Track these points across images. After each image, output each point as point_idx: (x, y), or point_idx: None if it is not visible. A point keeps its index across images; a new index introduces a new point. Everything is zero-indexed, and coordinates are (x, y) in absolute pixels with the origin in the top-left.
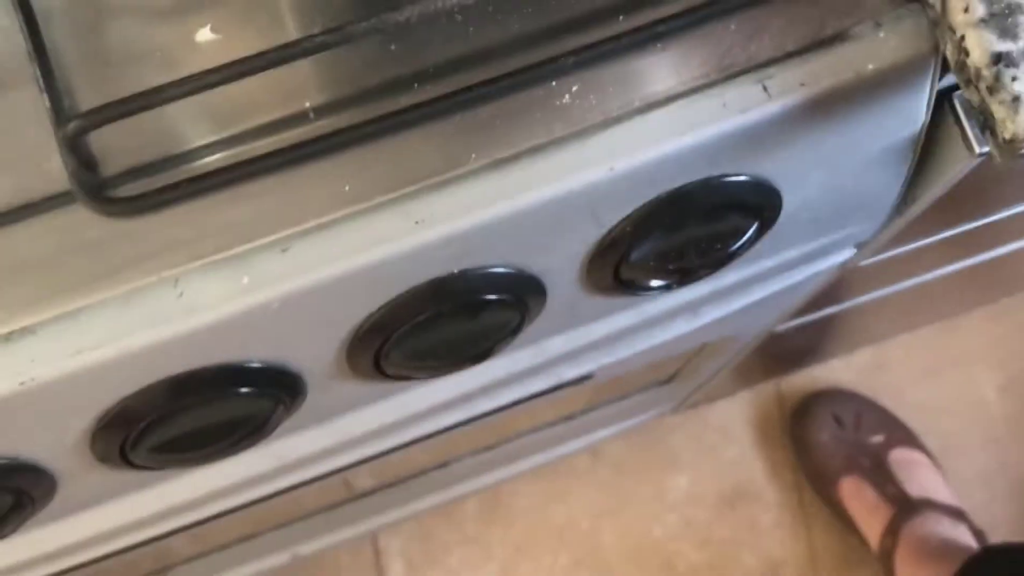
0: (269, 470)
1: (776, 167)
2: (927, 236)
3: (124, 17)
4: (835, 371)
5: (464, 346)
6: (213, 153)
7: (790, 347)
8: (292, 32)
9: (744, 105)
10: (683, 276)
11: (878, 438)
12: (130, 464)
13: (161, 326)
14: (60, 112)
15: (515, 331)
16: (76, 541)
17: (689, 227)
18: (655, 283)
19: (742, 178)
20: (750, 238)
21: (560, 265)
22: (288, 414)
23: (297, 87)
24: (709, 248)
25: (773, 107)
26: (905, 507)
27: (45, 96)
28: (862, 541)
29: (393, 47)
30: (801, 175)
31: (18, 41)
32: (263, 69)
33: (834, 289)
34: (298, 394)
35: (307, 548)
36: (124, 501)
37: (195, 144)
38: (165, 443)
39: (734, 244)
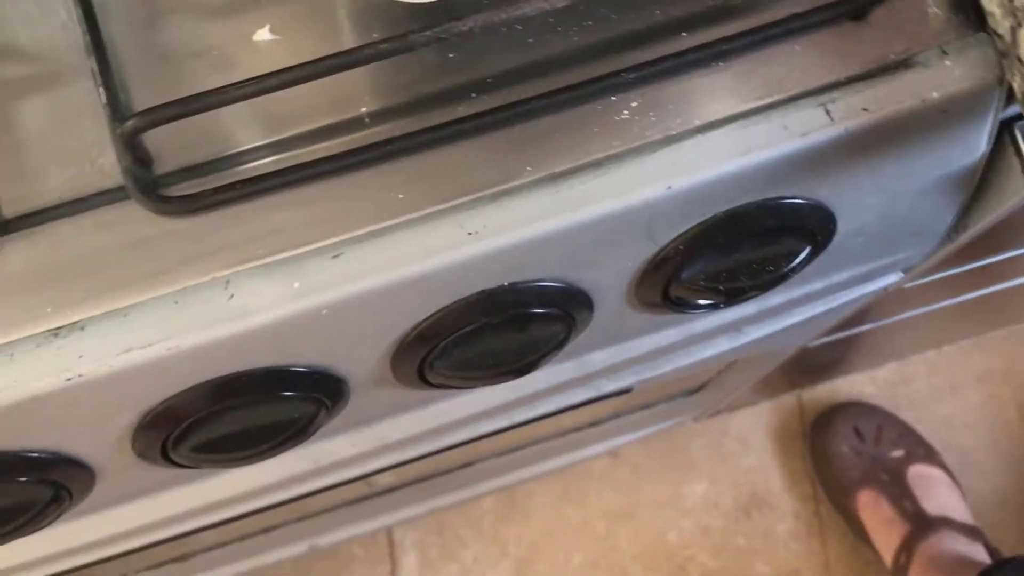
0: (304, 472)
1: (833, 191)
2: (972, 262)
3: (182, 13)
4: (858, 384)
5: (509, 358)
6: (267, 156)
7: (816, 360)
8: (350, 37)
9: (805, 128)
10: (732, 296)
11: (898, 453)
12: (170, 462)
13: (211, 328)
14: (116, 109)
15: (561, 345)
16: (108, 535)
17: (742, 248)
18: (704, 302)
19: (798, 201)
20: (802, 261)
21: (610, 280)
22: (330, 418)
23: (353, 92)
24: (761, 269)
25: (835, 131)
26: (921, 524)
27: (102, 91)
28: (877, 555)
29: (452, 55)
30: (857, 200)
31: (76, 34)
32: (323, 75)
33: (871, 308)
34: (341, 398)
35: (325, 540)
36: (159, 497)
37: (249, 145)
38: (207, 443)
39: (786, 267)
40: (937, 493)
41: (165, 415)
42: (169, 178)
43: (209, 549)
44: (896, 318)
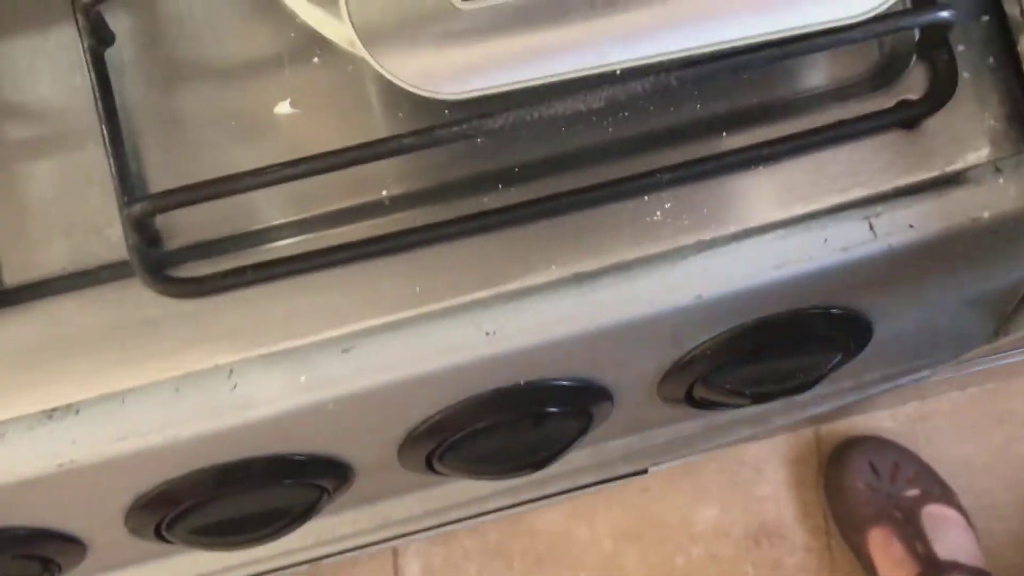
0: (301, 547)
1: (871, 302)
2: (1009, 353)
3: (201, 79)
4: (877, 419)
5: (522, 454)
6: (282, 237)
7: None
8: (374, 116)
9: (847, 243)
10: (758, 400)
11: (913, 492)
12: (164, 541)
13: (211, 418)
14: (126, 185)
15: (576, 441)
16: None
17: (771, 356)
18: (728, 403)
19: (834, 311)
20: (832, 368)
21: (631, 381)
22: (331, 501)
23: (375, 174)
24: (789, 376)
25: (878, 247)
26: (931, 567)
27: (112, 163)
28: None
29: (480, 141)
30: (896, 311)
31: (89, 99)
32: (344, 167)
33: None
34: (344, 484)
35: (329, 560)
36: (151, 565)
37: (264, 225)
38: (203, 527)
39: (816, 374)
40: (950, 535)
41: (160, 499)
42: (178, 255)
43: None
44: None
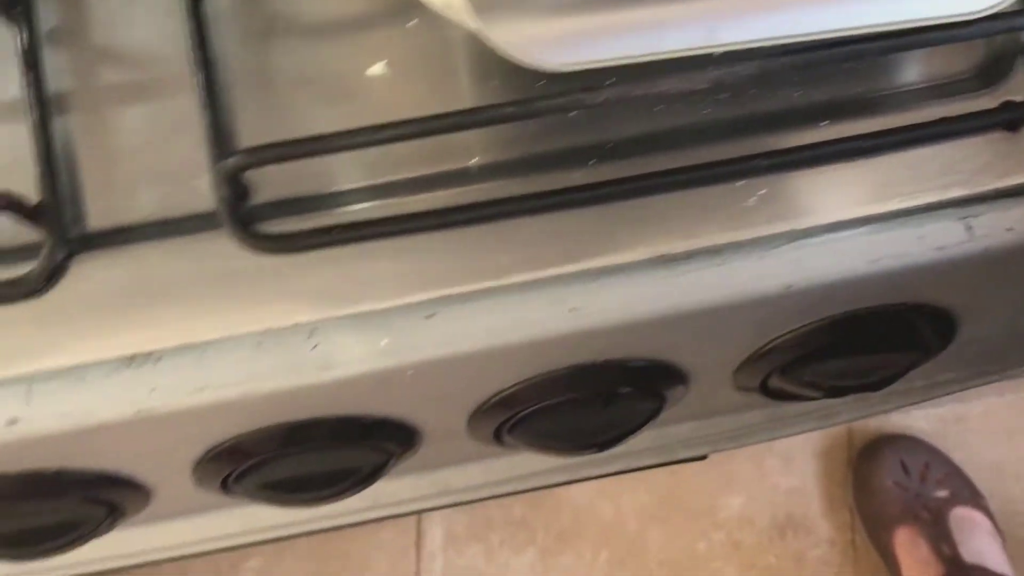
0: (359, 507)
1: (959, 302)
2: None
3: (298, 36)
4: (911, 418)
5: (591, 433)
6: (368, 199)
7: None
8: (468, 84)
9: (943, 242)
10: (833, 394)
11: (943, 493)
12: (229, 493)
13: (290, 375)
14: (218, 138)
15: (646, 423)
16: (147, 548)
17: (855, 350)
18: (803, 395)
19: (921, 309)
20: (912, 366)
21: (708, 366)
22: (397, 465)
23: (464, 143)
24: (868, 372)
25: (973, 248)
26: (956, 569)
27: (206, 114)
28: None
29: (573, 115)
30: (983, 313)
31: (182, 47)
32: (440, 133)
33: None
34: (411, 448)
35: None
36: (208, 516)
37: (350, 186)
38: (269, 483)
39: (895, 372)
40: (977, 539)
41: (230, 452)
42: (264, 211)
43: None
44: None
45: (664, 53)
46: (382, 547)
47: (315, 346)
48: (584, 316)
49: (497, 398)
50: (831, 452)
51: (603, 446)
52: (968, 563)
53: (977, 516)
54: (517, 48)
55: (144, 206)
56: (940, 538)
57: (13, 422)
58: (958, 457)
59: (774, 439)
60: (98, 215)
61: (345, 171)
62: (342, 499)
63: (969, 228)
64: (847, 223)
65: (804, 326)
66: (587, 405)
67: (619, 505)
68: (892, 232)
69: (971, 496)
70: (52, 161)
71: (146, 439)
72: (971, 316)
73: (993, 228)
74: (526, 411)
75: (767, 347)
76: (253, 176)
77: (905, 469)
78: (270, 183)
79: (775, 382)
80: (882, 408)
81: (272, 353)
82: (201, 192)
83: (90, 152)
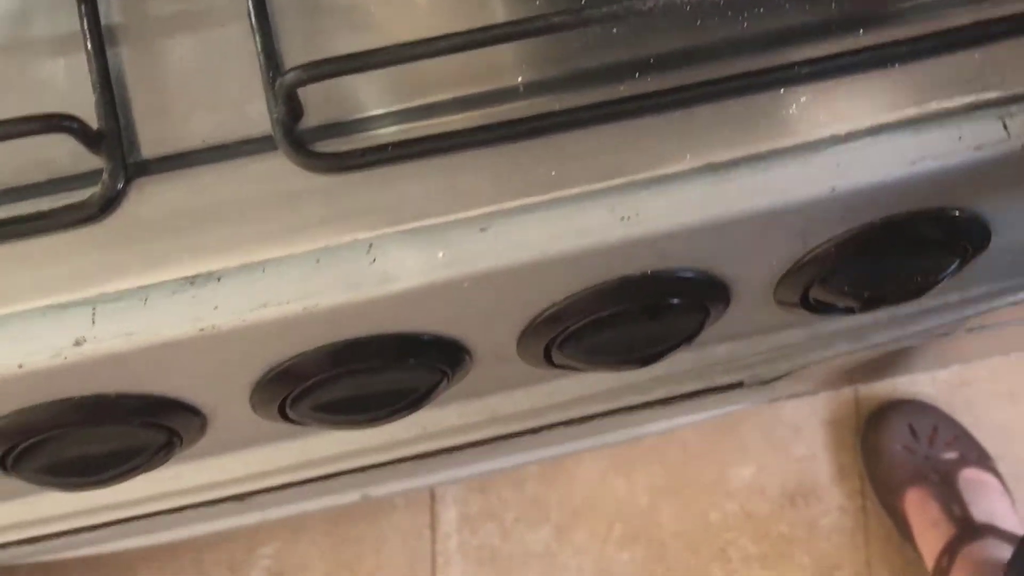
0: (408, 438)
1: (994, 206)
2: None
3: None
4: (917, 383)
5: (639, 347)
6: (416, 120)
7: (887, 355)
8: (508, 8)
9: (980, 141)
10: (872, 304)
11: (951, 455)
12: (285, 418)
13: (350, 290)
14: (272, 59)
15: (691, 337)
16: (195, 485)
17: (893, 257)
18: (842, 306)
19: (958, 213)
20: (949, 274)
21: (752, 277)
22: (449, 388)
23: (509, 61)
24: (907, 280)
25: (1011, 147)
26: (967, 529)
27: (258, 39)
28: (919, 556)
29: (616, 30)
30: (1017, 218)
31: None
32: (493, 43)
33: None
34: (464, 370)
35: (377, 491)
36: (256, 451)
37: (397, 107)
38: (326, 404)
39: (933, 279)
40: (987, 499)
41: (289, 373)
42: (317, 132)
43: (267, 491)
44: (992, 325)
45: None
46: (397, 529)
47: (374, 260)
48: (634, 224)
49: (548, 312)
50: (839, 420)
51: (648, 360)
52: (979, 522)
53: (986, 477)
54: None
55: (198, 133)
56: (950, 499)
57: (80, 343)
58: (965, 421)
59: (809, 364)
60: (154, 142)
61: (391, 93)
62: (395, 419)
63: (1006, 127)
64: (887, 126)
65: (845, 233)
66: (634, 318)
67: (631, 480)
68: (931, 134)
69: (979, 458)
70: (110, 89)
71: (207, 360)
72: (1004, 223)
73: None
74: (575, 326)
75: (809, 256)
76: (304, 101)
77: (913, 433)
78: (318, 109)
79: (816, 293)
80: (914, 330)
81: (332, 269)
82: (253, 118)
83: (144, 82)
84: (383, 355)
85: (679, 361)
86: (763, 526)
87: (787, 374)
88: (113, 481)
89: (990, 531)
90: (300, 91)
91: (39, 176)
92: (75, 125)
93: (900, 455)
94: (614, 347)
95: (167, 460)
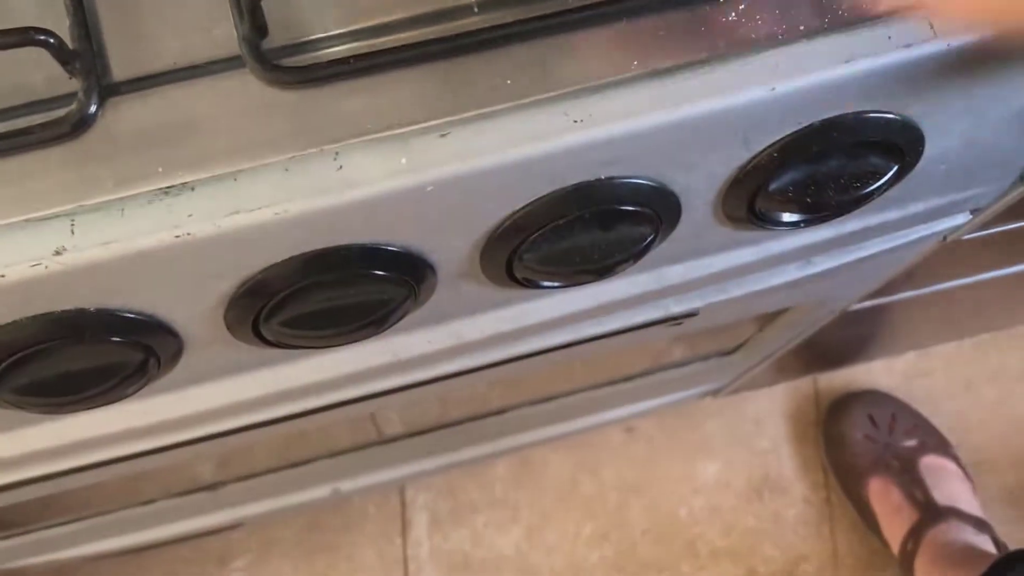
0: (380, 366)
1: (926, 110)
2: None
3: None
4: (874, 374)
5: (596, 256)
6: (374, 37)
7: (838, 341)
8: None
9: (909, 40)
10: (815, 212)
11: (911, 442)
12: (258, 336)
13: (319, 196)
14: None
15: (646, 248)
16: (173, 418)
17: (833, 161)
18: (787, 217)
19: (892, 116)
20: (888, 181)
21: (700, 186)
22: (415, 306)
23: None
24: (848, 185)
25: (937, 46)
26: (930, 512)
27: None
28: (885, 544)
29: None
30: (948, 122)
31: None
32: None
33: (917, 269)
34: (428, 285)
35: (347, 485)
36: (232, 381)
37: (358, 26)
38: (298, 318)
39: (872, 185)
40: (948, 484)
41: (261, 285)
42: (282, 51)
43: (239, 479)
44: (935, 288)
45: None
46: (368, 537)
47: (340, 167)
48: (588, 127)
49: (508, 222)
50: (800, 413)
51: (604, 271)
52: (941, 505)
53: (946, 463)
54: None
55: (168, 55)
56: (912, 485)
57: (59, 252)
58: (923, 409)
59: (760, 290)
60: (126, 64)
61: (348, 13)
62: (365, 335)
63: (932, 26)
64: (821, 29)
65: (786, 137)
66: (590, 228)
67: (599, 479)
68: (864, 34)
69: (939, 444)
70: (82, 11)
71: (183, 271)
72: (936, 130)
73: (953, 26)
74: (535, 234)
75: (753, 162)
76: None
77: (873, 422)
78: (279, 33)
79: (761, 203)
80: (858, 254)
81: (300, 177)
82: (220, 41)
83: (115, 7)
84: (350, 266)
85: (634, 284)
86: (730, 520)
87: (746, 342)
88: (92, 402)
89: (953, 513)
90: (271, 14)
91: (14, 100)
92: (51, 40)
93: (861, 444)
94: (571, 257)
95: (145, 382)
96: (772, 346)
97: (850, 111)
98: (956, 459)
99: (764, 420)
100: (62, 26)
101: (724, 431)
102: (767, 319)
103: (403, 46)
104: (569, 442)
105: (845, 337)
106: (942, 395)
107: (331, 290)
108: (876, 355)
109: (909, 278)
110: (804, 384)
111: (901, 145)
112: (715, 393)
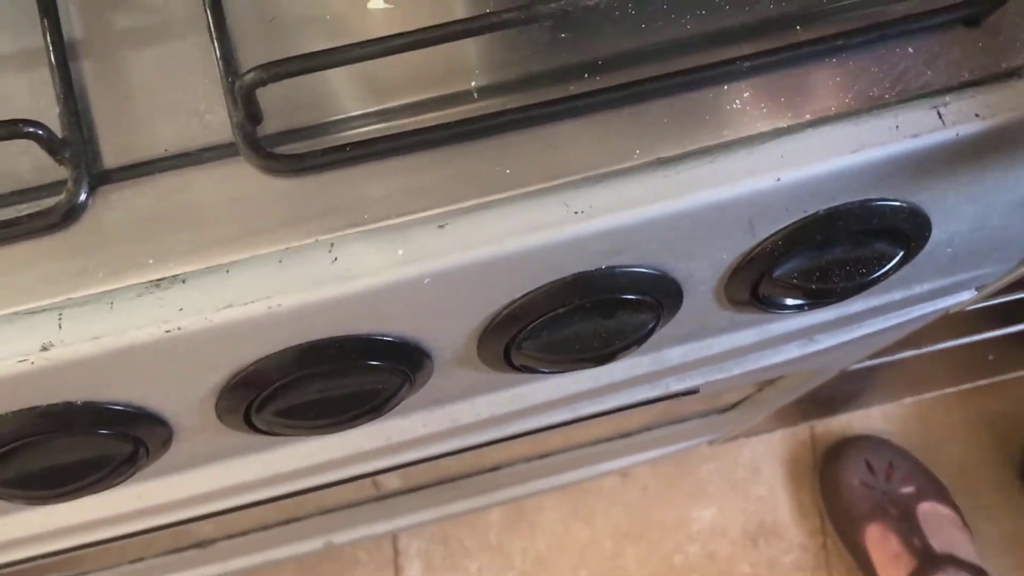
0: (373, 449)
1: (933, 197)
2: None
3: None
4: (872, 419)
5: (596, 344)
6: (373, 123)
7: (835, 391)
8: (463, 11)
9: (916, 130)
10: (820, 298)
11: (909, 489)
12: (250, 426)
13: (313, 289)
14: (230, 63)
15: (647, 335)
16: (156, 504)
17: (838, 248)
18: (790, 302)
19: (899, 204)
20: (894, 266)
21: (703, 272)
22: (411, 393)
23: (462, 66)
24: (853, 272)
25: (946, 135)
26: (928, 560)
27: (216, 45)
28: None
29: (563, 35)
30: (955, 208)
31: None
32: (449, 40)
33: (922, 332)
34: (425, 372)
35: (340, 538)
36: (220, 466)
37: (355, 112)
38: (290, 409)
39: (878, 271)
40: (945, 531)
41: (254, 376)
42: (276, 138)
43: (229, 537)
44: (937, 347)
45: None
46: None
47: (335, 259)
48: (588, 219)
49: (506, 311)
50: (796, 459)
51: (604, 358)
52: (939, 553)
53: (944, 510)
54: None
55: (161, 142)
56: (910, 532)
57: (46, 348)
58: (920, 455)
59: (760, 367)
60: (117, 152)
61: (349, 99)
62: (359, 423)
63: (940, 116)
64: (827, 118)
65: (792, 224)
66: (590, 316)
67: (593, 526)
68: (870, 123)
69: (937, 491)
70: (73, 99)
71: (173, 364)
72: (943, 214)
73: (962, 114)
74: (534, 323)
75: (757, 249)
76: (264, 107)
77: (870, 468)
78: (277, 113)
79: (765, 288)
80: (859, 332)
81: (294, 269)
82: (214, 127)
83: (107, 94)
84: (345, 357)
85: (635, 365)
86: (726, 567)
87: (744, 400)
88: (79, 493)
89: (950, 561)
90: (261, 100)
91: (2, 189)
92: (40, 131)
93: (858, 491)
94: (571, 345)
95: (133, 472)
96: (770, 405)
97: (856, 199)
98: (954, 506)
99: (760, 466)
100: (53, 112)
101: (720, 477)
102: (766, 382)
103: (400, 133)
104: (563, 489)
105: (842, 389)
106: (940, 440)
107: (325, 381)
108: (873, 403)
109: (909, 341)
110: (800, 429)
111: (907, 232)
112: (711, 442)
